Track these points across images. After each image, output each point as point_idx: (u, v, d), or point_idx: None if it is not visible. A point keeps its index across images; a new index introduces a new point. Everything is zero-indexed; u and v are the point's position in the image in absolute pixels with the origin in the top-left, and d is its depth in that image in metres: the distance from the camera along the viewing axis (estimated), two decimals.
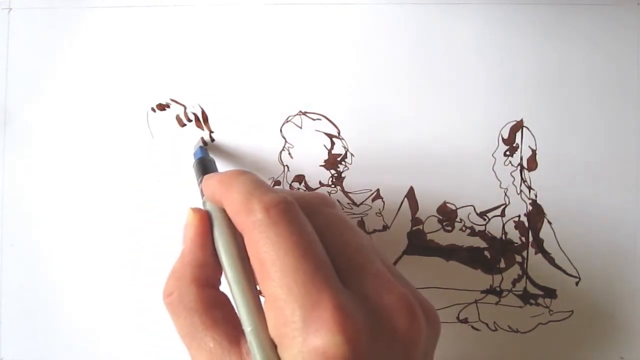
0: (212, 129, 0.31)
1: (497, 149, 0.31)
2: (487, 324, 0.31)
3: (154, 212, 0.31)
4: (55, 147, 0.32)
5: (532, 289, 0.31)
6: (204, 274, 0.22)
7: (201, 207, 0.24)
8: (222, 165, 0.31)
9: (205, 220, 0.23)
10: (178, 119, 0.31)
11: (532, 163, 0.31)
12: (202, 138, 0.31)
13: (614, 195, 0.30)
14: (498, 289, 0.31)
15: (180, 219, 0.31)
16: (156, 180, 0.31)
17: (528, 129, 0.31)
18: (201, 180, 0.25)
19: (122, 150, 0.32)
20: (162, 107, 0.31)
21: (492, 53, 0.31)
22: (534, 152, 0.31)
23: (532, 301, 0.31)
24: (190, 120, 0.31)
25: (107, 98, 0.32)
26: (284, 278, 0.18)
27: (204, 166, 0.28)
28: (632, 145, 0.31)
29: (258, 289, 0.20)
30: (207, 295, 0.21)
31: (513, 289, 0.31)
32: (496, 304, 0.31)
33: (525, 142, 0.31)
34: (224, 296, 0.22)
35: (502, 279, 0.31)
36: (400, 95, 0.31)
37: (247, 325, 0.19)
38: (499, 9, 0.31)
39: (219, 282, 0.23)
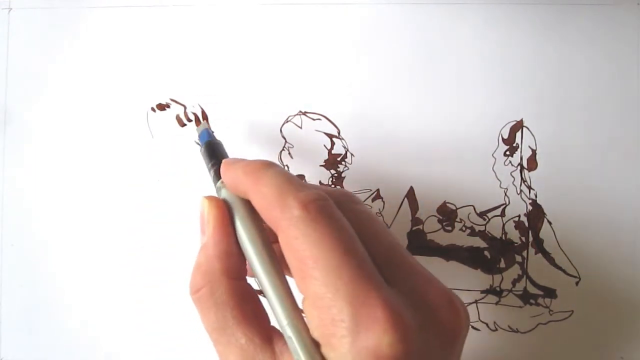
0: (212, 129, 0.31)
1: (497, 149, 0.31)
2: (487, 324, 0.31)
3: (154, 212, 0.31)
4: (55, 147, 0.32)
5: (532, 289, 0.31)
6: (233, 266, 0.21)
7: (214, 193, 0.23)
8: None
9: (224, 209, 0.22)
10: (178, 119, 0.31)
11: (532, 163, 0.31)
12: (205, 123, 0.30)
13: (614, 195, 0.30)
14: (498, 289, 0.31)
15: (180, 218, 0.31)
16: (156, 180, 0.31)
17: (528, 129, 0.31)
18: (213, 164, 0.24)
19: (122, 150, 0.32)
20: (162, 107, 0.31)
21: (492, 53, 0.31)
22: (534, 152, 0.31)
23: (532, 301, 0.31)
24: (190, 120, 0.31)
25: (107, 98, 0.32)
26: (328, 276, 0.17)
27: (213, 150, 0.26)
28: (632, 145, 0.31)
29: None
30: (237, 288, 0.21)
31: (513, 289, 0.31)
32: (496, 304, 0.31)
33: (525, 142, 0.31)
34: (252, 290, 0.21)
35: (502, 279, 0.31)
36: (400, 95, 0.31)
37: (284, 319, 0.19)
38: (499, 9, 0.31)
39: (246, 274, 0.22)
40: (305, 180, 0.31)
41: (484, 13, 0.31)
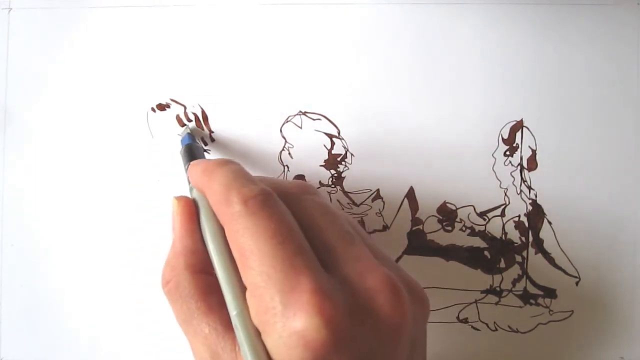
0: (212, 129, 0.31)
1: (497, 149, 0.31)
2: (487, 324, 0.31)
3: (154, 212, 0.31)
4: (56, 147, 0.32)
5: (532, 289, 0.31)
6: (196, 260, 0.22)
7: (188, 194, 0.24)
8: None
9: (191, 207, 0.23)
10: (178, 119, 0.31)
11: (532, 163, 0.31)
12: (188, 127, 0.31)
13: (614, 195, 0.30)
14: (498, 289, 0.31)
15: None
16: (156, 180, 0.31)
17: (528, 129, 0.31)
18: (187, 167, 0.25)
19: (122, 150, 0.32)
20: (162, 107, 0.31)
21: (492, 53, 0.31)
22: (534, 152, 0.31)
23: (532, 301, 0.31)
24: (190, 120, 0.31)
25: (107, 98, 0.32)
26: (262, 265, 0.18)
27: (191, 152, 0.28)
28: (632, 145, 0.31)
29: None
30: (201, 281, 0.22)
31: (513, 289, 0.31)
32: (496, 304, 0.31)
33: (525, 142, 0.31)
34: (218, 282, 0.22)
35: (502, 279, 0.31)
36: (400, 95, 0.31)
37: (232, 309, 0.20)
38: (499, 9, 0.31)
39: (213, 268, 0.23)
40: (304, 180, 0.31)
41: (484, 13, 0.31)
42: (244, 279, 0.19)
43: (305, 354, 0.17)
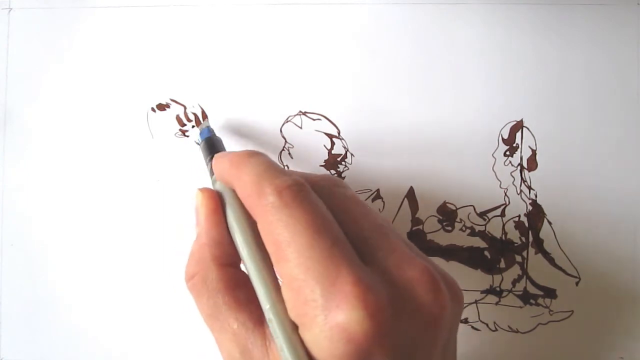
0: (212, 129, 0.31)
1: (497, 149, 0.31)
2: (487, 324, 0.31)
3: (153, 212, 0.31)
4: (55, 147, 0.32)
5: (532, 289, 0.31)
6: (223, 253, 0.22)
7: (210, 186, 0.24)
8: None
9: (216, 199, 0.22)
10: (178, 119, 0.31)
11: (532, 163, 0.31)
12: (207, 119, 0.31)
13: (614, 195, 0.30)
14: (498, 289, 0.31)
15: (180, 218, 0.31)
16: (156, 180, 0.31)
17: (528, 129, 0.31)
18: (210, 159, 0.25)
19: (122, 150, 0.32)
20: (162, 107, 0.31)
21: (492, 53, 0.31)
22: (534, 152, 0.31)
23: (532, 301, 0.31)
24: (190, 120, 0.31)
25: (107, 98, 0.32)
26: (299, 257, 0.18)
27: (212, 145, 0.27)
28: (632, 145, 0.31)
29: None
30: (229, 274, 0.21)
31: (513, 289, 0.31)
32: (496, 304, 0.31)
33: (525, 142, 0.31)
34: (245, 276, 0.22)
35: (502, 279, 0.31)
36: (400, 95, 0.31)
37: (265, 303, 0.19)
38: (499, 9, 0.31)
39: (239, 262, 0.22)
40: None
41: (484, 13, 0.31)
42: (279, 272, 0.19)
43: (348, 347, 0.17)
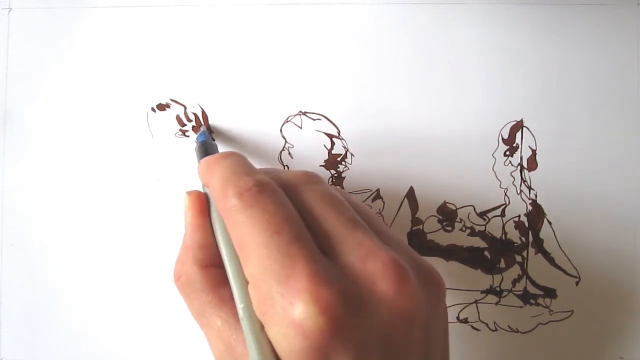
0: (212, 129, 0.31)
1: (497, 149, 0.31)
2: (487, 324, 0.31)
3: (153, 212, 0.31)
4: (55, 147, 0.32)
5: (532, 289, 0.31)
6: (207, 255, 0.22)
7: (201, 189, 0.24)
8: None
9: (202, 202, 0.23)
10: (178, 119, 0.31)
11: (532, 163, 0.31)
12: (205, 125, 0.31)
13: (614, 195, 0.30)
14: (498, 289, 0.31)
15: (180, 218, 0.31)
16: (156, 180, 0.31)
17: (528, 129, 0.31)
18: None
19: (122, 150, 0.32)
20: (162, 107, 0.31)
21: (492, 53, 0.31)
22: (534, 152, 0.31)
23: (532, 301, 0.31)
24: (190, 120, 0.31)
25: (107, 98, 0.32)
26: (258, 257, 0.18)
27: (205, 149, 0.28)
28: (632, 145, 0.31)
29: None
30: (211, 275, 0.22)
31: (513, 289, 0.31)
32: (496, 304, 0.31)
33: (525, 142, 0.31)
34: None
35: (502, 279, 0.31)
36: (400, 95, 0.31)
37: (239, 303, 0.19)
38: (499, 9, 0.31)
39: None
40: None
41: (484, 13, 0.31)
42: (245, 272, 0.19)
43: (304, 344, 0.17)
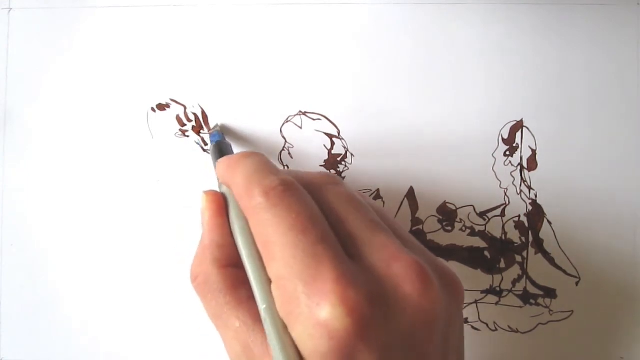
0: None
1: (497, 149, 0.31)
2: (487, 324, 0.31)
3: (153, 212, 0.31)
4: (55, 147, 0.32)
5: (532, 289, 0.31)
6: (225, 255, 0.22)
7: (217, 189, 0.24)
8: None
9: (220, 202, 0.23)
10: (178, 119, 0.31)
11: (532, 163, 0.31)
12: (218, 124, 0.31)
13: (614, 195, 0.30)
14: (498, 289, 0.31)
15: (180, 218, 0.31)
16: (156, 180, 0.31)
17: (528, 129, 0.31)
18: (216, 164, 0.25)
19: (122, 150, 0.32)
20: (162, 107, 0.31)
21: (492, 53, 0.31)
22: (534, 152, 0.31)
23: (532, 301, 0.31)
24: (190, 120, 0.31)
25: (107, 98, 0.32)
26: (284, 257, 0.18)
27: (220, 149, 0.28)
28: (632, 145, 0.31)
29: None
30: (229, 275, 0.22)
31: (513, 289, 0.31)
32: (496, 304, 0.31)
33: (525, 142, 0.31)
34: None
35: (502, 279, 0.31)
36: (400, 95, 0.31)
37: (262, 303, 0.19)
38: (499, 9, 0.31)
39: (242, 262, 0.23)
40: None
41: (484, 13, 0.31)
42: (268, 271, 0.19)
43: (330, 344, 0.17)
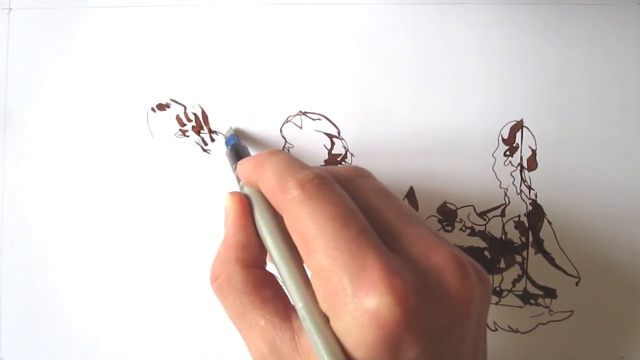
0: (212, 129, 0.31)
1: (497, 149, 0.31)
2: (487, 324, 0.31)
3: (154, 212, 0.31)
4: (55, 147, 0.32)
5: (532, 289, 0.31)
6: (248, 255, 0.22)
7: (238, 190, 0.24)
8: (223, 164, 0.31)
9: (244, 202, 0.23)
10: (178, 119, 0.31)
11: (532, 163, 0.31)
12: (231, 127, 0.31)
13: (614, 194, 0.30)
14: (498, 289, 0.31)
15: (180, 218, 0.31)
16: (156, 180, 0.31)
17: (528, 129, 0.31)
18: (236, 167, 0.25)
19: (122, 150, 0.32)
20: (162, 107, 0.31)
21: (492, 53, 0.31)
22: (534, 152, 0.31)
23: (532, 301, 0.31)
24: (190, 120, 0.31)
25: (107, 98, 0.32)
26: (327, 248, 0.18)
27: (237, 152, 0.28)
28: (632, 145, 0.31)
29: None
30: (253, 275, 0.22)
31: (513, 289, 0.31)
32: (496, 304, 0.31)
33: (525, 142, 0.31)
34: (271, 276, 0.22)
35: (502, 279, 0.31)
36: (400, 95, 0.31)
37: (298, 302, 0.19)
38: (499, 9, 0.31)
39: (264, 263, 0.23)
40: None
41: (484, 13, 0.31)
42: (308, 264, 0.19)
43: (379, 333, 0.17)
